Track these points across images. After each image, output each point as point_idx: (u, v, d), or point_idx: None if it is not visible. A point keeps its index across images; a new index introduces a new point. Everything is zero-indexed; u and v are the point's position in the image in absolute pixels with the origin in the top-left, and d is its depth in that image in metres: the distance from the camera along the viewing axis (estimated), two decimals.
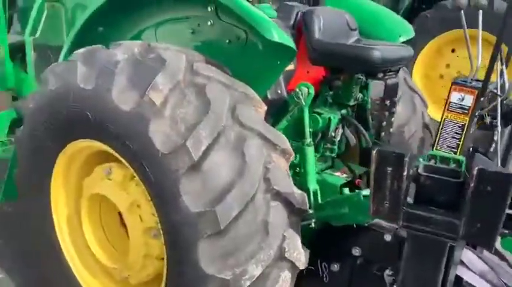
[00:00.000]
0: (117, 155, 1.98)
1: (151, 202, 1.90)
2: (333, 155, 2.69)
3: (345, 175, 2.69)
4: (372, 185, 1.53)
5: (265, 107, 2.05)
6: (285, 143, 1.98)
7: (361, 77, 2.64)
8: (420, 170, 1.56)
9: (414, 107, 3.12)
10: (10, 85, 3.59)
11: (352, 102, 2.69)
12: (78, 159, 2.33)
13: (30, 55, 3.33)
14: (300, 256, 1.94)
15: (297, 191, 1.94)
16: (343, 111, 2.70)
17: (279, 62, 2.13)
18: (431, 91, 5.83)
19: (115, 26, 2.52)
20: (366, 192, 2.12)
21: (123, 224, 2.36)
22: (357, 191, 2.19)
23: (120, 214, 2.40)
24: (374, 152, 1.49)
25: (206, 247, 1.72)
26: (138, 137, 1.80)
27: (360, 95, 2.72)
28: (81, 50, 2.11)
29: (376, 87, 2.79)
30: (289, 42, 2.00)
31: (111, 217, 2.43)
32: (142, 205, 2.08)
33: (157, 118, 1.76)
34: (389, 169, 1.48)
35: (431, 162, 1.60)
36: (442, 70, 6.10)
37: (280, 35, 1.97)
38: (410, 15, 6.01)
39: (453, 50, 5.96)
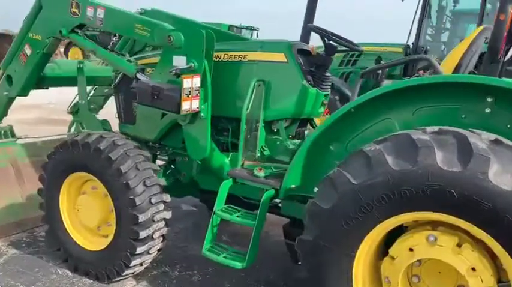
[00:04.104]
0: (472, 227, 2.34)
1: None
2: None
3: None
4: None
5: None
6: None
7: None
8: None
9: None
10: (206, 155, 3.85)
11: None
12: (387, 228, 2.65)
13: (244, 129, 3.64)
14: None
15: None
16: None
17: None
18: None
19: (365, 112, 2.94)
20: None
21: None
22: None
23: None
24: None
25: None
26: None
27: None
28: (431, 137, 2.43)
29: None
30: None
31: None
32: (478, 268, 2.43)
33: None
34: None
35: None
36: None
37: None
38: None
39: None
